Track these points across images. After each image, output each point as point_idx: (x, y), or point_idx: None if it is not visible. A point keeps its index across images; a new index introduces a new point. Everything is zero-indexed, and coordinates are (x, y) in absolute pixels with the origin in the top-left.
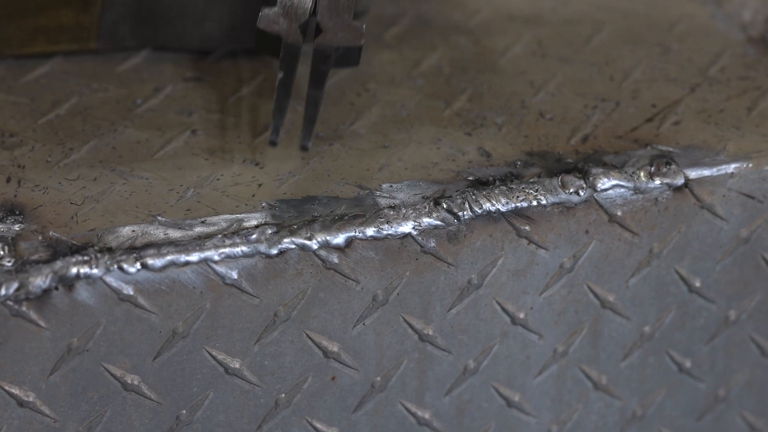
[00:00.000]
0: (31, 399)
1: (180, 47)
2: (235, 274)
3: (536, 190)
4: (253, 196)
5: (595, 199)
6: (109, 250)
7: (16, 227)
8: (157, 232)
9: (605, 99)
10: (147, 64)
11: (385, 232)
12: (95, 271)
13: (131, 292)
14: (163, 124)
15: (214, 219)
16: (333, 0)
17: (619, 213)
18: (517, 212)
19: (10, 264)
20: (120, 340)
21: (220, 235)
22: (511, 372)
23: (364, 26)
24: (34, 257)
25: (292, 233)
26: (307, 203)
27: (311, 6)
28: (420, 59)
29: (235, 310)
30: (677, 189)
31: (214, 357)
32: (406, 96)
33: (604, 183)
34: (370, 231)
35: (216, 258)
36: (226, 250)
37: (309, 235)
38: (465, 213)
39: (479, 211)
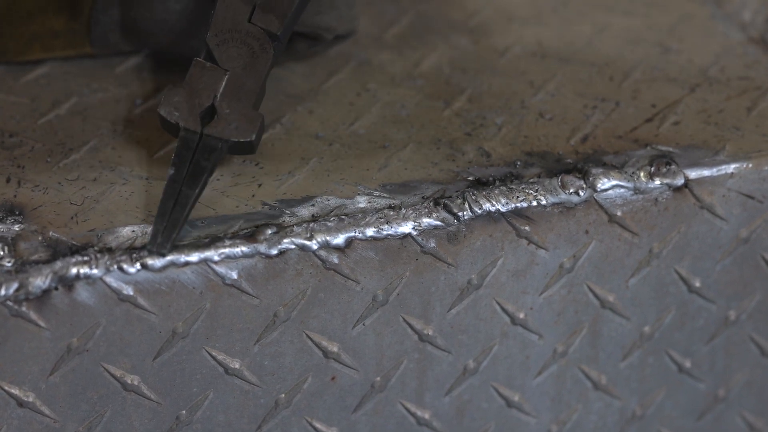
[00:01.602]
0: (30, 399)
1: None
2: (234, 275)
3: (536, 191)
4: (253, 196)
5: (595, 200)
6: (109, 250)
7: (16, 227)
8: None
9: (605, 99)
10: (147, 64)
11: (384, 233)
12: (95, 271)
13: (131, 293)
14: None
15: (214, 219)
16: (237, 83)
17: (618, 213)
18: (516, 212)
19: (9, 264)
20: (120, 340)
21: (220, 235)
22: (510, 372)
23: (263, 119)
24: (34, 257)
25: (292, 233)
26: (307, 203)
27: (220, 87)
28: (420, 59)
29: (235, 310)
30: (677, 189)
31: (213, 357)
32: (405, 96)
33: (603, 183)
34: (370, 231)
35: (216, 258)
36: (226, 250)
37: (309, 235)
38: (465, 213)
39: (479, 212)
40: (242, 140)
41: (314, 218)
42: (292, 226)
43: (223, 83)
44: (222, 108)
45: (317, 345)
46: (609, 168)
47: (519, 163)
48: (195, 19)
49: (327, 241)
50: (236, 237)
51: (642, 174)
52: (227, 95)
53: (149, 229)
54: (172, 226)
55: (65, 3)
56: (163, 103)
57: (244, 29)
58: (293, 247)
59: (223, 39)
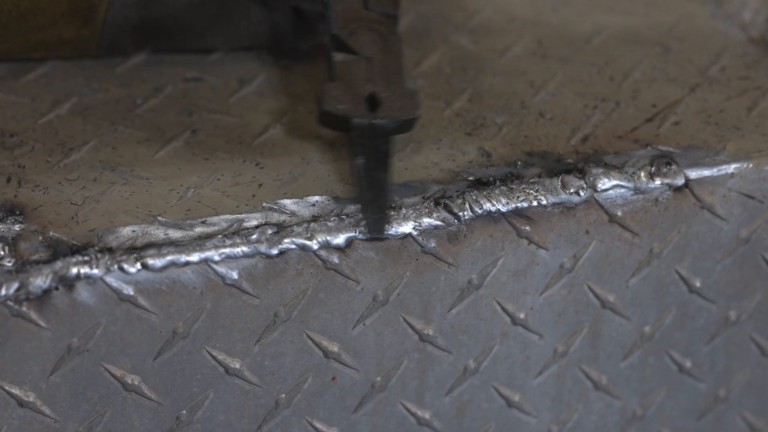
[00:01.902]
0: (31, 399)
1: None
2: (235, 275)
3: (536, 191)
4: (254, 196)
5: (596, 200)
6: (110, 250)
7: (17, 227)
8: (158, 233)
9: (605, 99)
10: (147, 64)
11: (385, 233)
12: (95, 271)
13: (131, 293)
14: (163, 124)
15: (215, 219)
16: (383, 67)
17: (619, 213)
18: (517, 212)
19: (10, 264)
20: (120, 340)
21: (220, 236)
22: (511, 372)
23: (419, 93)
24: (35, 257)
25: (293, 233)
26: (308, 203)
27: (370, 74)
28: (420, 59)
29: (236, 310)
30: (677, 189)
31: (214, 357)
32: None
33: (604, 183)
34: None
35: (216, 258)
36: (227, 250)
37: (309, 235)
38: (465, 213)
39: (479, 211)
40: (410, 118)
41: (315, 218)
42: (293, 226)
43: (371, 70)
44: (381, 93)
45: (318, 345)
46: (609, 168)
47: (519, 163)
48: (211, 14)
49: (327, 241)
50: (237, 237)
51: (642, 174)
52: (379, 80)
53: (150, 228)
54: (380, 209)
55: (78, 14)
56: (325, 101)
57: (365, 17)
58: (294, 247)
59: (351, 30)
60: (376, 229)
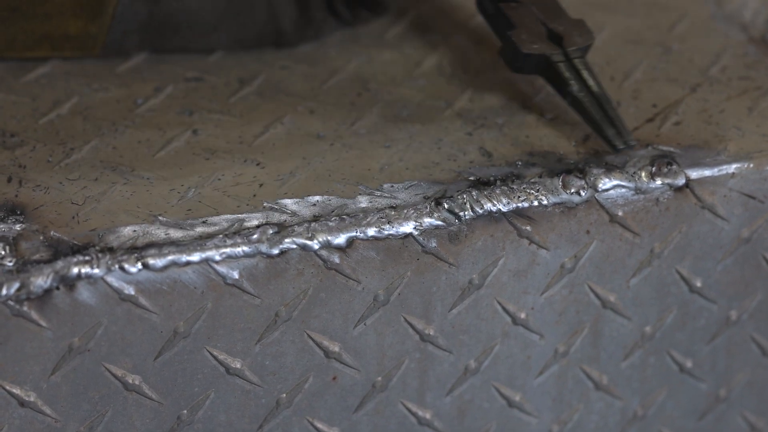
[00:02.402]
0: (32, 399)
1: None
2: (236, 274)
3: (537, 190)
4: (254, 196)
5: (596, 200)
6: (111, 250)
7: (18, 227)
8: (159, 232)
9: None
10: (147, 64)
11: (386, 232)
12: (96, 271)
13: (132, 292)
14: (163, 123)
15: (215, 219)
16: (544, 6)
17: (620, 213)
18: (518, 212)
19: (11, 264)
20: (121, 340)
21: (221, 235)
22: (512, 372)
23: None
24: (36, 257)
25: (293, 233)
26: (308, 203)
27: (534, 16)
28: (421, 59)
29: (237, 310)
30: (678, 189)
31: (215, 357)
32: (406, 96)
33: (605, 183)
34: (371, 231)
35: (217, 258)
36: (228, 250)
37: (310, 235)
38: (466, 213)
39: (480, 211)
40: (591, 42)
41: (315, 218)
42: (294, 225)
43: (536, 11)
44: (558, 28)
45: (318, 345)
46: (610, 168)
47: (520, 162)
48: (219, 12)
49: (328, 241)
50: (237, 237)
51: (643, 174)
52: (548, 17)
53: (151, 228)
54: (619, 120)
55: (86, 7)
56: (521, 44)
57: None
58: (294, 246)
59: None
60: (625, 140)
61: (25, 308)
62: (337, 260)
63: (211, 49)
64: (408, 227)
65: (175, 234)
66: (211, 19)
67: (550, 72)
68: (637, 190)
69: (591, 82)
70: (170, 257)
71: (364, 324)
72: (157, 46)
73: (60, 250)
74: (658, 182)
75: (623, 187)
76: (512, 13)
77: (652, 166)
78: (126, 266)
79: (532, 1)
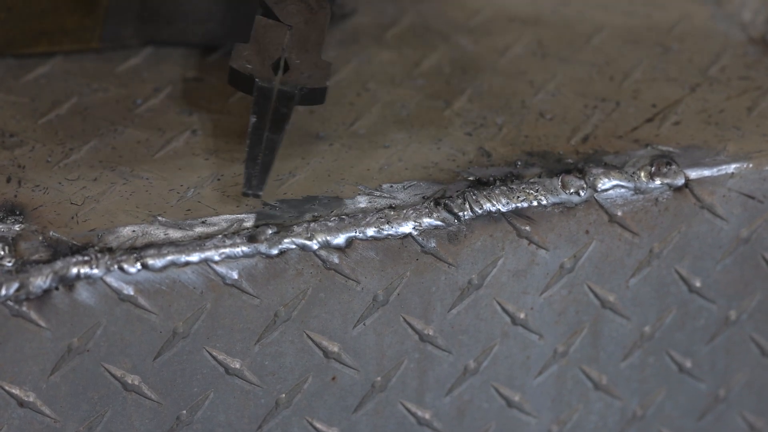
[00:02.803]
0: (31, 399)
1: (180, 43)
2: (235, 275)
3: (536, 191)
4: None
5: (596, 200)
6: (110, 250)
7: (17, 227)
8: (158, 232)
9: (605, 99)
10: (147, 64)
11: (385, 233)
12: (95, 271)
13: (131, 293)
14: (163, 124)
15: (215, 219)
16: (302, 36)
17: (619, 213)
18: (517, 212)
19: (10, 264)
20: (120, 340)
21: (220, 236)
22: (511, 372)
23: (332, 66)
24: (35, 257)
25: (293, 233)
26: (307, 203)
27: (286, 41)
28: (420, 59)
29: (236, 310)
30: (677, 189)
31: (214, 357)
32: (406, 96)
33: (604, 183)
34: (371, 231)
35: (216, 258)
36: (227, 250)
37: (309, 235)
38: (465, 213)
39: (479, 212)
40: (318, 87)
41: (315, 218)
42: (293, 225)
43: (288, 37)
44: (292, 59)
45: (318, 345)
46: (609, 168)
47: (519, 163)
48: (214, 3)
49: (327, 241)
50: (237, 237)
51: (642, 174)
52: (295, 48)
53: (150, 228)
54: (264, 169)
55: (80, 2)
56: (234, 58)
57: None
58: (294, 247)
59: None
60: (255, 186)
61: (24, 308)
62: (336, 260)
63: (208, 39)
64: (407, 227)
65: (175, 234)
66: (203, 6)
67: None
68: (637, 190)
69: (272, 122)
70: (169, 257)
71: (364, 324)
72: (154, 37)
73: (59, 251)
74: (658, 182)
75: (622, 187)
76: (261, 29)
77: (652, 166)
78: (125, 266)
79: (296, 27)
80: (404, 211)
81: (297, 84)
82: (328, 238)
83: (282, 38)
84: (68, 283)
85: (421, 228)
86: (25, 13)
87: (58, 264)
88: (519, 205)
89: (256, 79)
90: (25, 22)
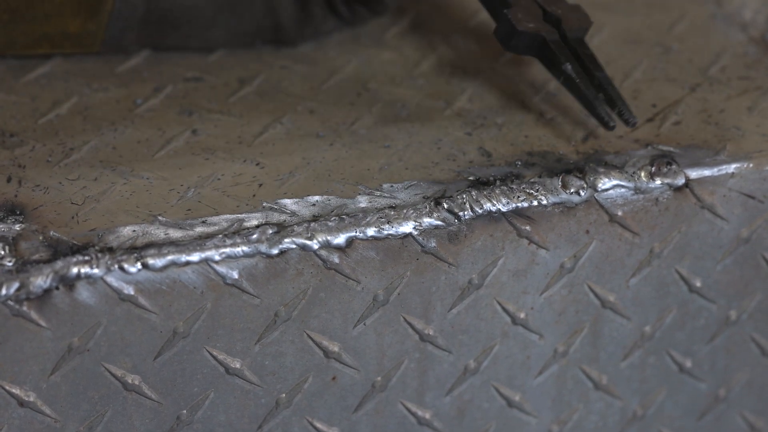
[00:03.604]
0: (31, 399)
1: (182, 48)
2: (235, 274)
3: (537, 190)
4: (254, 195)
5: (596, 199)
6: (110, 250)
7: (17, 227)
8: (158, 232)
9: None
10: (147, 64)
11: (385, 232)
12: (96, 271)
13: (132, 292)
14: (163, 123)
15: (215, 219)
16: None
17: (619, 213)
18: (517, 212)
19: (10, 264)
20: (121, 340)
21: (220, 235)
22: (511, 372)
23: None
24: (35, 257)
25: (293, 233)
26: (308, 203)
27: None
28: (420, 59)
29: (236, 310)
30: (678, 189)
31: (214, 357)
32: (406, 96)
33: (604, 183)
34: (371, 231)
35: (217, 258)
36: (227, 250)
37: (309, 235)
38: (465, 213)
39: (480, 211)
40: (589, 25)
41: (315, 218)
42: (293, 225)
43: None
44: (555, 11)
45: (318, 345)
46: (610, 168)
47: (520, 162)
48: (217, 6)
49: (328, 241)
50: (237, 237)
51: (643, 174)
52: (546, 2)
53: (150, 228)
54: (622, 101)
55: (84, 5)
56: (517, 22)
57: None
58: (294, 246)
59: None
60: (631, 116)
61: (24, 308)
62: (336, 260)
63: (210, 44)
64: (407, 227)
65: (175, 234)
66: (208, 13)
67: (544, 52)
68: (637, 190)
69: (588, 62)
70: (170, 257)
71: (364, 324)
72: (157, 42)
73: (59, 250)
74: (658, 182)
75: (623, 186)
76: None
77: (652, 165)
78: (125, 266)
79: None
80: (404, 211)
81: (580, 26)
82: (329, 237)
83: None
84: (68, 282)
85: (421, 228)
86: (28, 15)
87: (59, 264)
88: (519, 204)
89: (545, 35)
90: (27, 24)
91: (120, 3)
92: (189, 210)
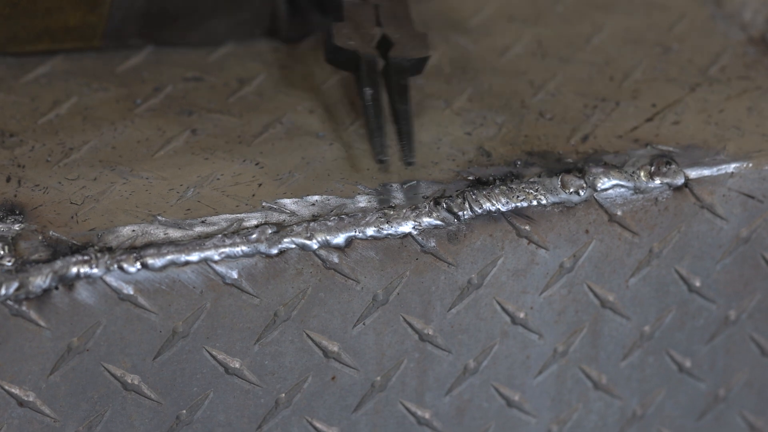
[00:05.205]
0: (31, 399)
1: (182, 43)
2: (235, 274)
3: (536, 190)
4: (253, 195)
5: (595, 199)
6: (109, 249)
7: (17, 227)
8: (157, 232)
9: (605, 99)
10: (147, 63)
11: (385, 232)
12: (95, 270)
13: (131, 292)
14: (163, 123)
15: (214, 219)
16: (391, 11)
17: (619, 213)
18: (517, 212)
19: (10, 264)
20: (120, 339)
21: (220, 235)
22: (511, 372)
23: (428, 36)
24: (34, 257)
25: (292, 233)
26: (307, 203)
27: (378, 17)
28: None
29: (235, 309)
30: (677, 189)
31: (214, 357)
32: None
33: (604, 183)
34: (370, 231)
35: (216, 258)
36: (226, 249)
37: (309, 234)
38: (465, 213)
39: (479, 211)
40: (423, 56)
41: (314, 218)
42: (293, 225)
43: (379, 14)
44: (392, 34)
45: (317, 344)
46: (609, 167)
47: (519, 162)
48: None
49: (327, 241)
50: (236, 236)
51: (642, 173)
52: (388, 23)
53: (149, 228)
54: (410, 138)
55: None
56: (336, 37)
57: None
58: (293, 246)
59: None
60: (409, 155)
61: (24, 308)
62: (336, 260)
63: (210, 37)
64: (407, 227)
65: (174, 234)
66: (208, 3)
67: (357, 72)
68: (636, 190)
69: (395, 93)
70: (169, 257)
71: (363, 324)
72: (156, 35)
73: (59, 250)
74: (657, 182)
75: (622, 186)
76: (351, 8)
77: (651, 165)
78: (125, 266)
79: (381, 4)
80: (404, 211)
81: (407, 56)
82: (328, 237)
83: (372, 16)
84: (68, 282)
85: (420, 227)
86: (29, 9)
87: (58, 263)
88: (519, 204)
89: (362, 54)
90: (29, 18)
91: None
92: (188, 210)
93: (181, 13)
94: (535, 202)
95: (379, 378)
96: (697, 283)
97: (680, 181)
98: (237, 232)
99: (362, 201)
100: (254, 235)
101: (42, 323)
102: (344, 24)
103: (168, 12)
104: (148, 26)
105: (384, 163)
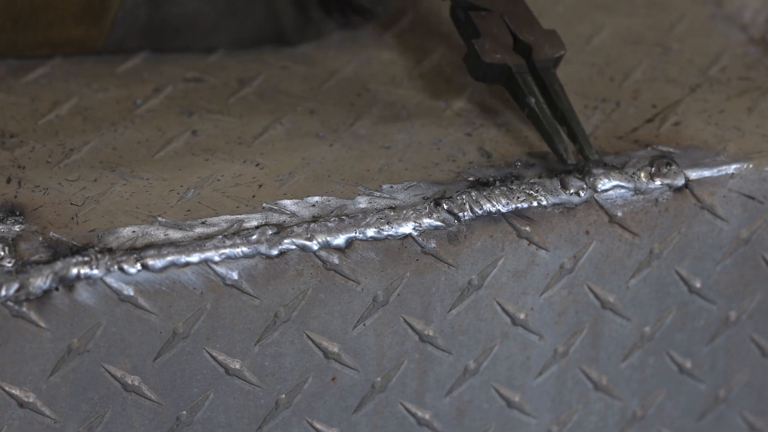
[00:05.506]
0: (31, 400)
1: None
2: (235, 275)
3: (537, 191)
4: (254, 196)
5: (596, 200)
6: (110, 250)
7: (17, 228)
8: (158, 233)
9: (605, 99)
10: (147, 64)
11: (385, 233)
12: (95, 271)
13: (131, 293)
14: (163, 124)
15: (215, 220)
16: (516, 15)
17: (619, 214)
18: (517, 213)
19: (10, 265)
20: (120, 340)
21: (220, 236)
22: (511, 372)
23: (557, 32)
24: (35, 258)
25: (293, 234)
26: (308, 204)
27: (505, 25)
28: (420, 59)
29: (236, 310)
30: (678, 190)
31: (214, 358)
32: (406, 96)
33: (604, 184)
34: (371, 232)
35: (216, 259)
36: (227, 250)
37: (309, 235)
38: (465, 214)
39: (479, 212)
40: (561, 54)
41: (315, 219)
42: (293, 226)
43: (507, 20)
44: (526, 38)
45: (318, 345)
46: (609, 168)
47: (519, 163)
48: (219, 12)
49: (327, 242)
50: (237, 237)
51: (642, 174)
52: (519, 28)
53: (150, 229)
54: (584, 135)
55: (88, 14)
56: (483, 53)
57: None
58: (294, 247)
59: None
60: (590, 152)
61: (24, 309)
62: (336, 261)
63: (211, 49)
64: (407, 228)
65: (175, 235)
66: (210, 19)
67: (510, 83)
68: (637, 191)
69: (553, 94)
70: (169, 258)
71: (364, 325)
72: (157, 48)
73: (59, 251)
74: (658, 183)
75: (622, 187)
76: (480, 21)
77: (652, 166)
78: (125, 267)
79: (505, 10)
80: (404, 212)
81: (549, 56)
82: (328, 238)
83: (502, 24)
84: (68, 283)
85: (421, 228)
86: (31, 23)
87: (58, 265)
88: (519, 205)
89: (512, 66)
90: (30, 31)
91: (123, 11)
92: (189, 211)
93: (183, 28)
94: (535, 203)
95: (379, 379)
96: (698, 284)
97: (680, 182)
98: (237, 233)
99: (362, 202)
100: (254, 236)
101: (42, 324)
102: (484, 40)
103: (170, 26)
104: (150, 39)
105: (570, 165)
